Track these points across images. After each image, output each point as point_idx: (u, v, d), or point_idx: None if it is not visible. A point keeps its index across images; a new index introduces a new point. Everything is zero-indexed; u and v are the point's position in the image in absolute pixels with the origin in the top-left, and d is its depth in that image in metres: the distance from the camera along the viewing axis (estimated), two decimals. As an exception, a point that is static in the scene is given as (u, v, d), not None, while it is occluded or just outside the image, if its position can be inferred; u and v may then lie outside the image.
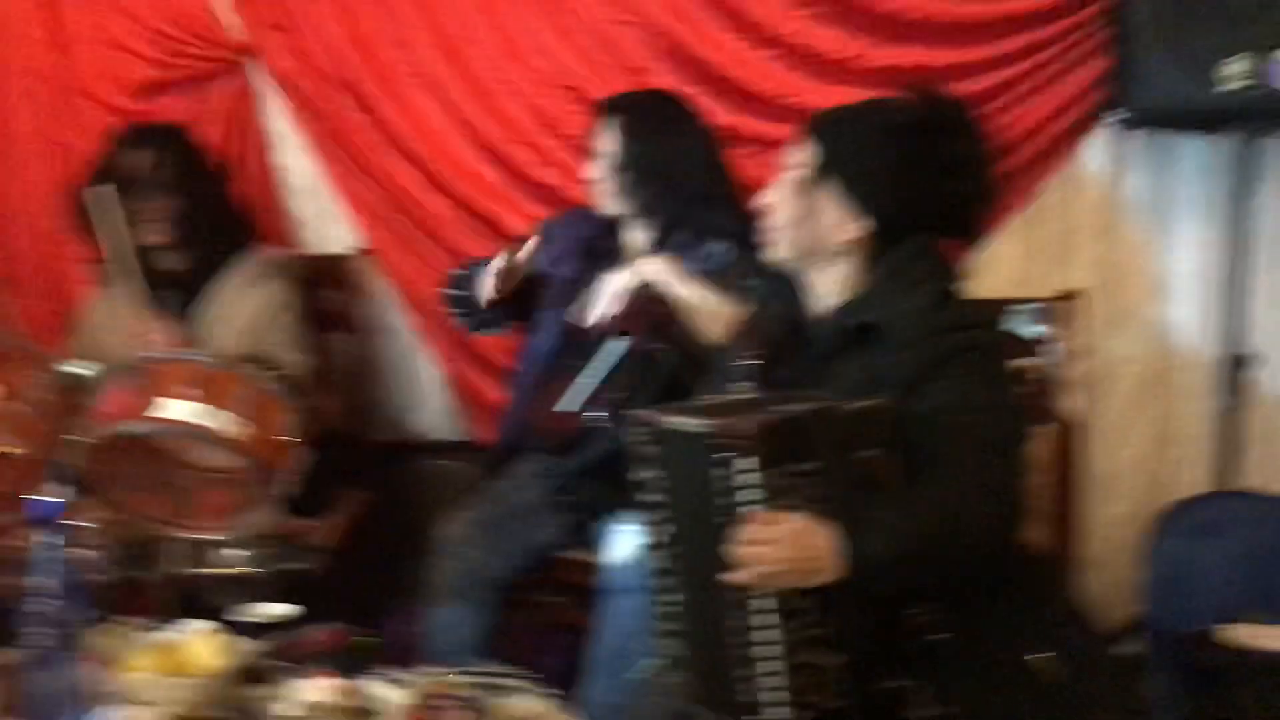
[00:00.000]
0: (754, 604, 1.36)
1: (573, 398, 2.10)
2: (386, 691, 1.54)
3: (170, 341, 2.23)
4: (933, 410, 1.44)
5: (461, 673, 1.64)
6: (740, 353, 1.65)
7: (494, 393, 2.77)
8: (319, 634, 1.72)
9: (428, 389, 3.00)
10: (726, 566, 1.37)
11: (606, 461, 2.04)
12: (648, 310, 2.12)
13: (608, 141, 2.34)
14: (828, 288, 1.64)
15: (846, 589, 1.35)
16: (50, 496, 1.70)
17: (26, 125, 2.99)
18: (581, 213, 2.51)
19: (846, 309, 1.60)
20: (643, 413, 1.53)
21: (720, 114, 2.57)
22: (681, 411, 1.50)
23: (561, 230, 2.49)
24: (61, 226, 2.92)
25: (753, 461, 1.33)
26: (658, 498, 1.52)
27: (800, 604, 1.35)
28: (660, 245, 2.34)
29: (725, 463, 1.36)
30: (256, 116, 2.93)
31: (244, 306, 2.55)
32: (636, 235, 2.40)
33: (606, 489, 2.20)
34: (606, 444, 2.05)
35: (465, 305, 2.48)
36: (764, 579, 1.34)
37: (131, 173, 2.47)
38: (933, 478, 1.41)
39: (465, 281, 2.46)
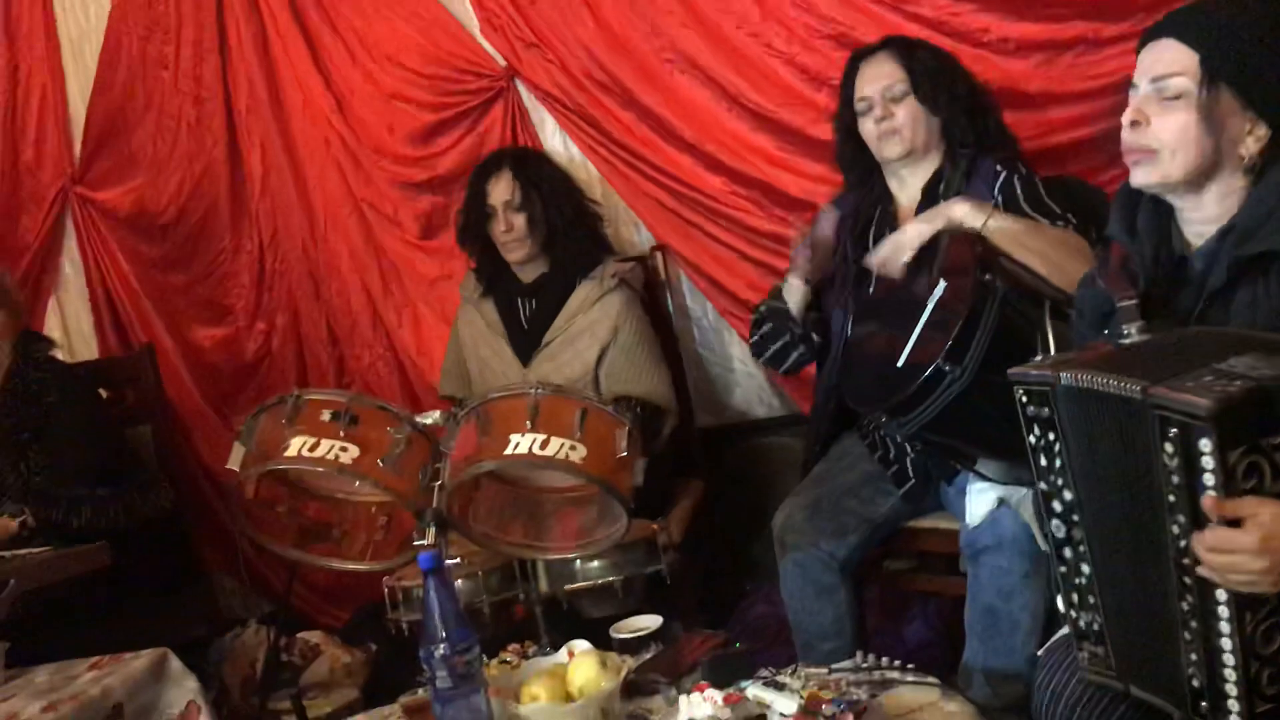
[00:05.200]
0: (1218, 595, 1.23)
1: (902, 355, 1.97)
2: (770, 697, 1.55)
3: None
4: None
5: (841, 670, 1.63)
6: (1115, 291, 1.51)
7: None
8: (692, 643, 1.79)
9: (740, 368, 3.02)
10: (1161, 546, 1.27)
11: (945, 419, 1.92)
12: (963, 251, 2.01)
13: (886, 74, 2.29)
14: (1204, 213, 1.49)
15: None
16: (426, 541, 1.86)
17: (337, 188, 3.23)
18: (837, 200, 2.47)
19: (1235, 235, 1.44)
20: (1035, 368, 1.40)
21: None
22: (1083, 366, 1.35)
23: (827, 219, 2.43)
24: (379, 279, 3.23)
25: (1212, 441, 1.18)
26: (1053, 462, 1.40)
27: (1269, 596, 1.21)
28: (935, 189, 2.27)
29: (1176, 439, 1.21)
30: (529, 135, 3.02)
31: (601, 317, 2.70)
32: (907, 185, 2.33)
33: (948, 449, 2.16)
34: (943, 400, 1.97)
35: (777, 338, 2.44)
36: (1235, 586, 1.21)
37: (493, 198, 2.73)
38: None
39: (773, 313, 2.43)
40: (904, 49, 2.31)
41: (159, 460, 3.13)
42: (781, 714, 1.51)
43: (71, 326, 3.52)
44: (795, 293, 2.38)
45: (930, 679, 1.59)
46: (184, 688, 2.17)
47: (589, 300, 2.73)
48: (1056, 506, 1.42)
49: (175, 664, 2.18)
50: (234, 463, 1.94)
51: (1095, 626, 1.42)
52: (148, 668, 2.14)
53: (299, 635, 3.07)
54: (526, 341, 2.77)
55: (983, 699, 1.92)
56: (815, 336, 2.41)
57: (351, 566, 2.12)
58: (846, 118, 2.37)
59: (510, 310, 2.81)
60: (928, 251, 2.09)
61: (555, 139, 3.05)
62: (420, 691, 1.78)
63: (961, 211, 2.06)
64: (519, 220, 2.73)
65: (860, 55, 2.36)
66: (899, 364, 1.96)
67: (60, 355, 3.05)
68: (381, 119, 3.14)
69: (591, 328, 2.71)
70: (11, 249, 3.42)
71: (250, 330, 3.39)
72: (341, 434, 1.90)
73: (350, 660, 2.99)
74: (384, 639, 2.92)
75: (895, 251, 2.12)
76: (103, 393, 3.09)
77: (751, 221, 2.83)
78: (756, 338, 2.49)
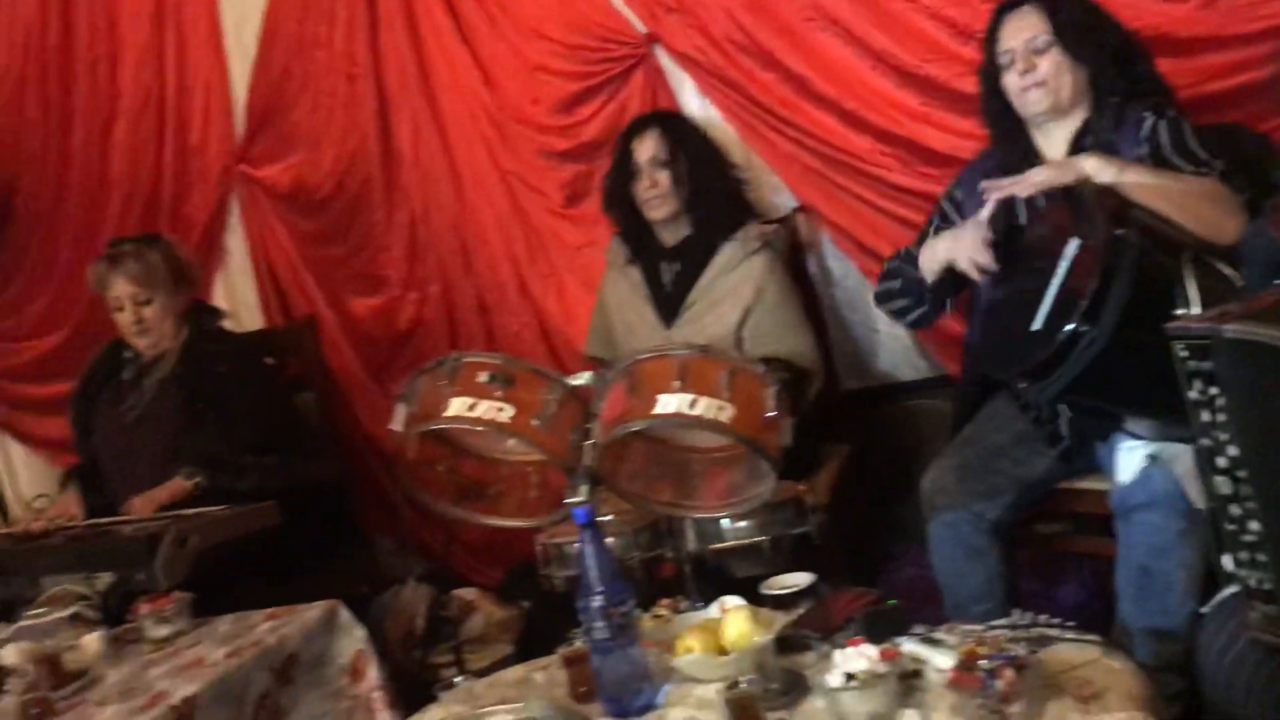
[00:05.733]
0: None
1: (1038, 317, 1.94)
2: (927, 653, 1.55)
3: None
4: None
5: (997, 627, 1.62)
6: None
7: (955, 324, 2.69)
8: (844, 600, 1.80)
9: (884, 330, 2.99)
10: None
11: (1087, 379, 1.90)
12: (1096, 205, 1.95)
13: (1030, 26, 2.24)
14: None
15: None
16: (578, 499, 1.93)
17: (483, 159, 3.29)
18: (982, 155, 2.43)
19: None
20: (1195, 321, 1.36)
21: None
22: (1250, 318, 1.30)
23: (968, 178, 2.40)
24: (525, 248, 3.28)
25: None
26: (1216, 417, 1.36)
27: None
28: (1082, 141, 2.22)
29: None
30: (669, 100, 3.03)
31: (744, 279, 2.71)
32: (1052, 138, 2.28)
33: (1096, 408, 2.11)
34: (1082, 360, 1.89)
35: (902, 296, 2.43)
36: None
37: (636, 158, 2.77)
38: None
39: (904, 277, 2.40)
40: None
41: (321, 426, 3.27)
42: (938, 669, 1.51)
43: (237, 298, 3.66)
44: (939, 266, 2.31)
45: (1091, 636, 1.57)
46: (353, 637, 2.28)
47: (732, 262, 2.73)
48: (1221, 462, 1.38)
49: (345, 615, 2.29)
50: (397, 423, 2.00)
51: (1266, 585, 1.38)
52: (320, 618, 2.25)
53: (455, 592, 3.19)
54: (669, 304, 2.80)
55: (1141, 658, 1.88)
56: (946, 302, 2.37)
57: (507, 523, 2.16)
58: (990, 72, 2.32)
59: (653, 274, 2.84)
60: (1060, 208, 2.04)
61: (695, 104, 3.04)
62: (576, 644, 1.83)
63: (1091, 167, 2.01)
64: (663, 177, 2.75)
65: (1004, 7, 2.30)
66: (1035, 326, 1.92)
67: (228, 326, 3.19)
68: (525, 90, 3.19)
69: (735, 290, 2.71)
70: (182, 226, 3.58)
71: (404, 300, 3.48)
72: (498, 395, 1.94)
73: (504, 616, 3.09)
74: (536, 596, 3.00)
75: (1016, 186, 2.08)
76: (269, 361, 3.24)
77: (896, 179, 2.79)
78: (882, 289, 2.48)
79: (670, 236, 2.83)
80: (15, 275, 3.85)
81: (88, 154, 3.67)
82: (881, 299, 2.49)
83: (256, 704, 2.06)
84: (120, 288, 2.89)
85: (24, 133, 3.70)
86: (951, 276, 2.29)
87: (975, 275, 2.20)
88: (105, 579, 2.42)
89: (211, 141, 3.57)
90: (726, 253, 2.74)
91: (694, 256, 2.78)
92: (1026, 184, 2.07)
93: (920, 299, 2.38)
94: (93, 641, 2.19)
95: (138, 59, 3.57)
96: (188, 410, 2.87)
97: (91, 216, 3.70)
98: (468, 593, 3.20)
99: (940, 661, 1.52)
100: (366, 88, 3.36)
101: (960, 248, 2.22)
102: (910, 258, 2.40)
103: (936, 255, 2.30)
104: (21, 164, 3.73)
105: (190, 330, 2.99)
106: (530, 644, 2.92)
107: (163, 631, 2.24)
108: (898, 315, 2.47)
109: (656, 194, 2.76)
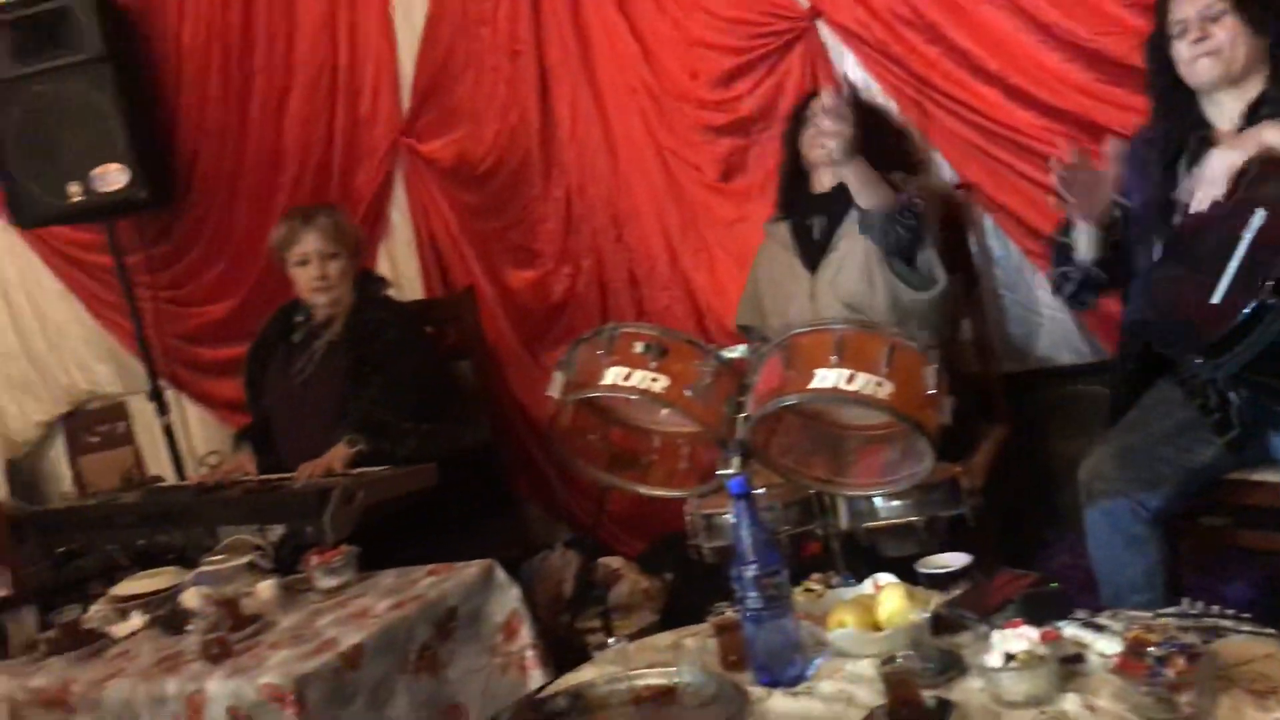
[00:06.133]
0: None
1: (1217, 291, 1.87)
2: (1090, 637, 1.52)
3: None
4: None
5: (1166, 615, 1.57)
6: None
7: (1118, 305, 2.58)
8: (1003, 581, 1.77)
9: (1046, 312, 2.90)
10: None
11: (1269, 356, 1.82)
12: None
13: None
14: None
15: None
16: (731, 471, 1.93)
17: (640, 134, 3.31)
18: (1141, 130, 2.35)
19: None
20: None
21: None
22: None
23: (1128, 155, 2.29)
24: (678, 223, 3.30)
25: None
26: None
27: None
28: (1258, 112, 2.11)
29: None
30: (828, 75, 2.98)
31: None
32: (1225, 110, 2.18)
33: (1274, 389, 2.01)
34: (1267, 335, 1.81)
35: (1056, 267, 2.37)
36: None
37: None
38: None
39: (1056, 248, 2.35)
40: None
41: (477, 395, 3.36)
42: (1101, 654, 1.47)
43: (399, 269, 3.76)
44: (1082, 235, 2.25)
45: (1269, 630, 1.50)
46: (508, 596, 2.35)
47: None
48: None
49: (501, 574, 2.36)
50: (554, 390, 2.05)
51: None
52: (478, 576, 2.33)
53: (600, 560, 3.24)
54: (816, 250, 2.76)
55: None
56: (1102, 273, 2.29)
57: (657, 492, 2.20)
58: (1159, 42, 2.24)
59: (803, 227, 2.81)
60: (1241, 180, 1.96)
61: (856, 78, 2.99)
62: (727, 612, 1.85)
63: (1274, 137, 1.92)
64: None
65: None
66: (1215, 300, 1.85)
67: (392, 294, 3.30)
68: (685, 65, 3.19)
69: None
70: (351, 198, 3.70)
71: (557, 273, 3.53)
72: (653, 365, 1.96)
73: (650, 585, 3.13)
74: (680, 567, 3.03)
75: (1208, 188, 1.99)
76: (429, 330, 3.33)
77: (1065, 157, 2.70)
78: (1059, 273, 2.39)
79: (823, 182, 2.79)
80: (194, 243, 4.04)
81: (264, 126, 3.82)
82: (1061, 283, 2.41)
83: (418, 654, 2.15)
84: (310, 242, 3.03)
85: (206, 105, 3.88)
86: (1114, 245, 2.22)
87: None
88: (277, 530, 2.54)
89: (380, 116, 3.67)
90: None
91: (841, 205, 2.72)
92: (1218, 182, 1.97)
93: (1075, 274, 2.32)
94: (266, 588, 2.31)
95: (312, 34, 3.69)
96: (354, 373, 2.98)
97: (266, 187, 3.85)
98: (613, 561, 3.25)
99: (1104, 646, 1.48)
100: (528, 64, 3.41)
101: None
102: (1065, 234, 2.33)
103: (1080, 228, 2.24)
104: (203, 135, 3.91)
105: (358, 297, 3.10)
106: (674, 614, 2.95)
107: (331, 582, 2.35)
108: (1056, 290, 2.41)
109: (818, 133, 2.67)
